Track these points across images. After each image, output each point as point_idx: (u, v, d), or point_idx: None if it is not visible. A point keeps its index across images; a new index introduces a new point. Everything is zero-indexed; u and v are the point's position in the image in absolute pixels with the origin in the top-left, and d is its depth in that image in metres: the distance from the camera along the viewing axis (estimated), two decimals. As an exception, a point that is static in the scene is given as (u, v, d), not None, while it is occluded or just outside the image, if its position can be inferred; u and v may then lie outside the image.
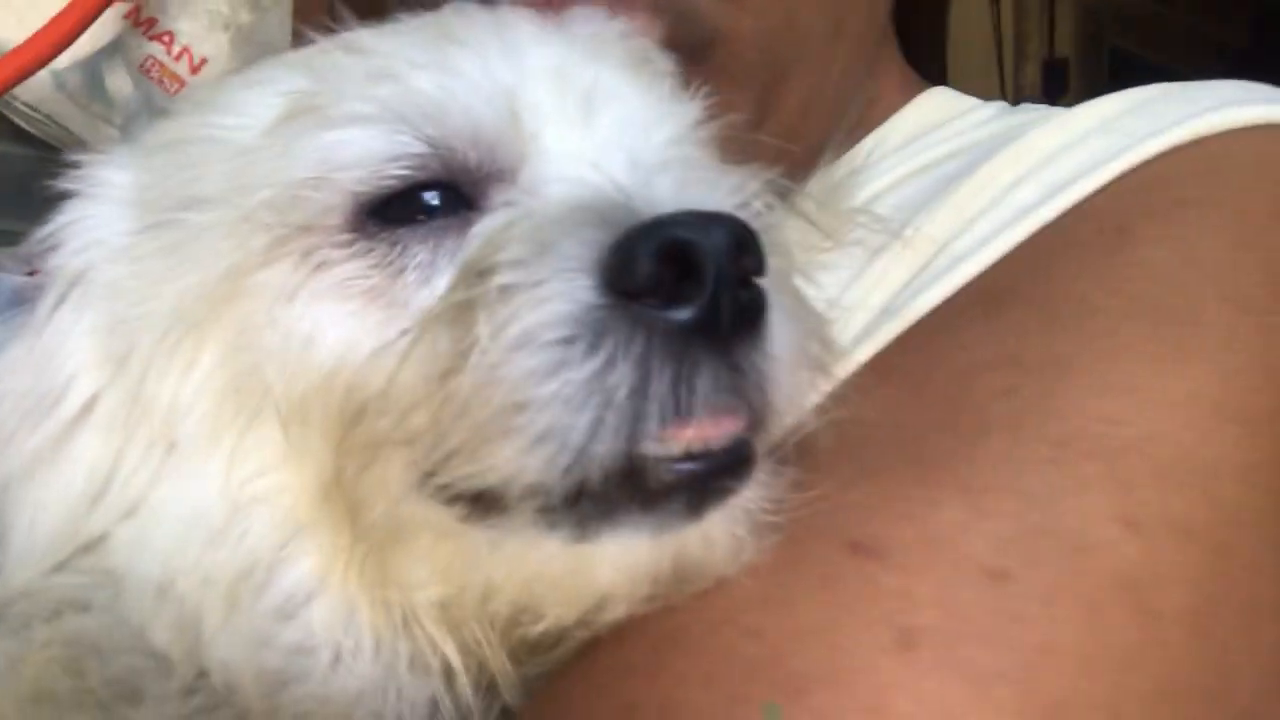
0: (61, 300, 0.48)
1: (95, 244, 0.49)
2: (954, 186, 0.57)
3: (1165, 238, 0.48)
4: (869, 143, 0.69)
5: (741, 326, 0.37)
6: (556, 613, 0.42)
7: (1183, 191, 0.50)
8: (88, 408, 0.47)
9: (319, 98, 0.45)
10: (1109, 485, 0.41)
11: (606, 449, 0.36)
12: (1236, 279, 0.47)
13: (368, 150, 0.44)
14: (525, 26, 0.48)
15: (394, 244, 0.43)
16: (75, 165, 0.51)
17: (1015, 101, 0.73)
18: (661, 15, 0.57)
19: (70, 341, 0.48)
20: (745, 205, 0.41)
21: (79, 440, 0.47)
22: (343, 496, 0.44)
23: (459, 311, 0.39)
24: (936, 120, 0.69)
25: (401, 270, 0.43)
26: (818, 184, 0.60)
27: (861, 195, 0.61)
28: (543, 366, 0.36)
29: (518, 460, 0.37)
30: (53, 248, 0.49)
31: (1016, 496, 0.40)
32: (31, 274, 0.53)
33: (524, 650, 0.44)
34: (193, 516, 0.45)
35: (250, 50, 2.10)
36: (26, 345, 0.48)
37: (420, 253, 0.43)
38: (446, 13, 0.49)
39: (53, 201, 0.50)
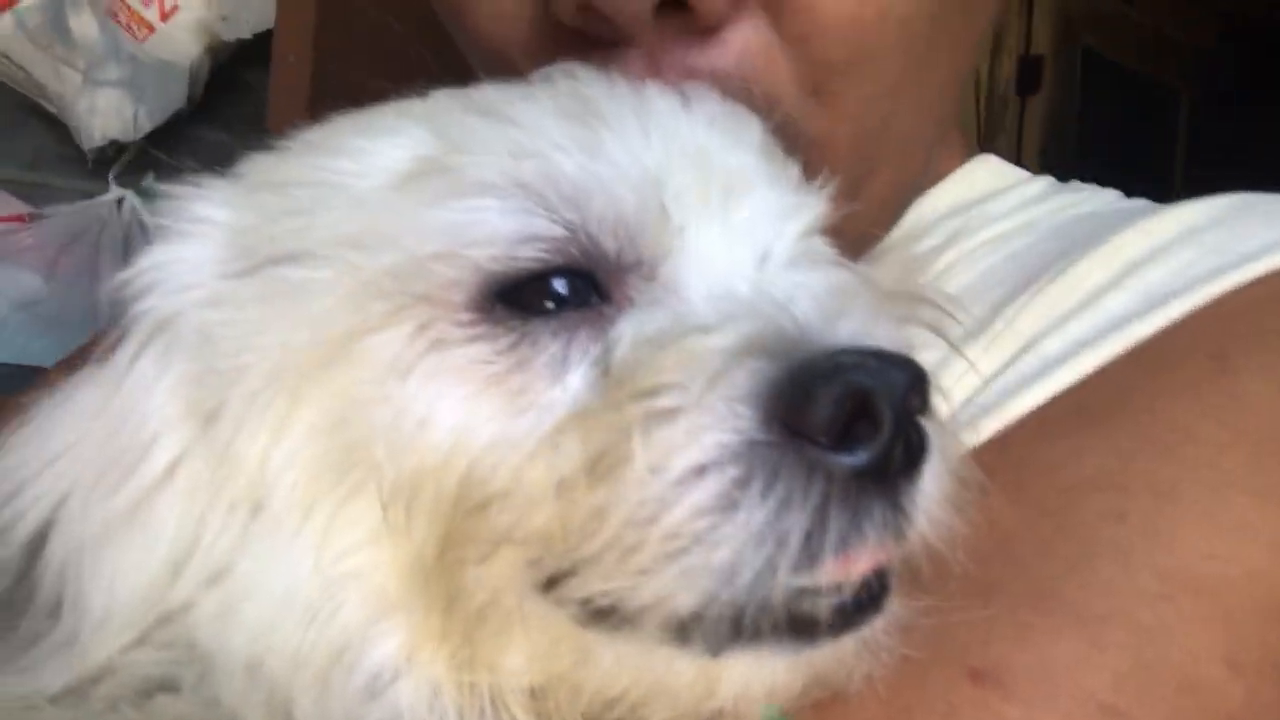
0: (144, 348, 0.46)
1: (187, 287, 0.46)
2: (1041, 280, 0.57)
3: (1262, 369, 0.49)
4: (923, 210, 0.69)
5: (906, 468, 0.37)
6: (666, 717, 0.42)
7: (1275, 322, 0.51)
8: (171, 467, 0.45)
9: (451, 160, 0.43)
10: (1214, 624, 0.42)
11: (765, 587, 0.36)
12: None
13: (503, 227, 0.42)
14: (663, 104, 0.46)
15: (523, 333, 0.42)
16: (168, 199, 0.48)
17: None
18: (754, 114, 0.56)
19: (155, 396, 0.45)
20: (907, 335, 0.41)
21: (162, 502, 0.44)
22: (441, 580, 0.43)
23: (604, 423, 0.38)
24: (987, 190, 0.69)
25: (528, 361, 0.41)
26: (890, 261, 0.59)
27: (929, 269, 0.61)
28: (714, 504, 0.35)
29: (669, 589, 0.36)
30: (139, 290, 0.46)
31: (1129, 630, 0.41)
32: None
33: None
34: (284, 591, 0.43)
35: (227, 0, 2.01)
36: (102, 395, 0.46)
37: (551, 345, 0.41)
38: (579, 81, 0.47)
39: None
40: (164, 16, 1.96)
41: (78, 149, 2.05)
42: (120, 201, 2.08)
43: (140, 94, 1.98)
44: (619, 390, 0.38)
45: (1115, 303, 0.54)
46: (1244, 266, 0.52)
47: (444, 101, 0.48)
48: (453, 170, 0.43)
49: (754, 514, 0.35)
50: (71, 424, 0.46)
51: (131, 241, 2.08)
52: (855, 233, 0.57)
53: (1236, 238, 0.54)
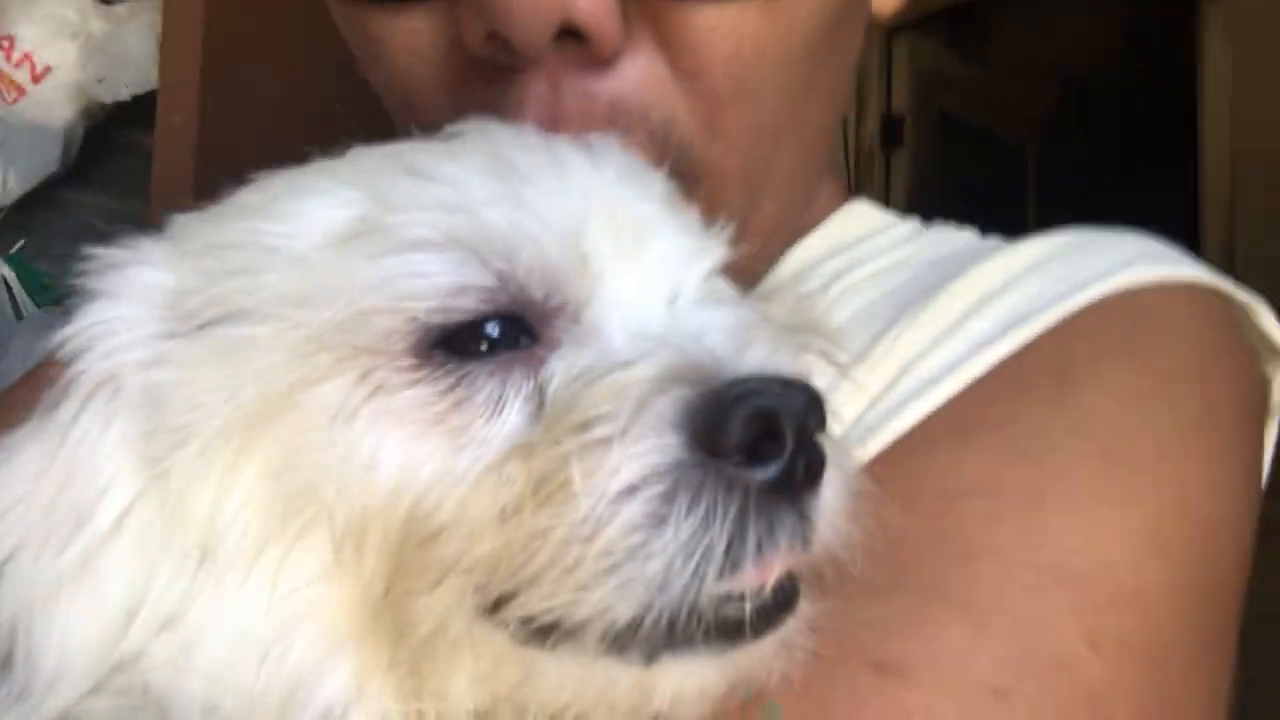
0: (86, 404, 0.47)
1: (126, 348, 0.48)
2: (914, 310, 0.64)
3: (1101, 383, 0.57)
4: (804, 253, 0.75)
5: (809, 479, 0.42)
6: (604, 728, 0.45)
7: (1111, 342, 0.60)
8: (120, 519, 0.46)
9: (385, 220, 0.46)
10: (1078, 610, 0.49)
11: (696, 594, 0.40)
12: (1157, 425, 0.56)
13: (439, 280, 0.45)
14: (575, 159, 0.50)
15: (461, 375, 0.45)
16: (99, 261, 0.49)
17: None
18: (656, 148, 0.61)
19: (100, 450, 0.46)
20: (803, 363, 0.46)
21: (112, 554, 0.46)
22: (389, 612, 0.45)
23: (544, 454, 0.42)
24: (862, 232, 0.77)
25: (468, 400, 0.45)
26: (780, 300, 0.65)
27: (815, 306, 0.67)
28: (646, 519, 0.40)
29: (608, 601, 0.40)
30: (77, 349, 0.48)
31: (1010, 619, 0.48)
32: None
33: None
34: (237, 633, 0.45)
35: (103, 60, 1.98)
36: (46, 450, 0.47)
37: (488, 385, 0.45)
38: (495, 138, 0.51)
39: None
40: (35, 78, 1.92)
41: (-54, 215, 1.96)
42: (-11, 268, 2.00)
43: (10, 157, 1.92)
44: (556, 423, 0.42)
45: (978, 327, 0.61)
46: (1080, 293, 0.61)
47: (369, 162, 0.51)
48: (387, 229, 0.46)
49: (681, 527, 0.40)
50: (14, 481, 0.47)
51: (1, 309, 1.99)
52: (741, 266, 0.62)
53: (1074, 269, 0.63)
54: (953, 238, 0.75)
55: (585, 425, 0.41)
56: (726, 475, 0.40)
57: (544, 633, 0.43)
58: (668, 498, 0.40)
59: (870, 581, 0.48)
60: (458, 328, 0.45)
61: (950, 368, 0.60)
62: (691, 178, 0.61)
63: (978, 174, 3.76)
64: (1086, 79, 3.98)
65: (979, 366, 0.59)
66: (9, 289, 2.02)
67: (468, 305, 0.45)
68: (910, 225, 0.78)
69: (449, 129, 0.54)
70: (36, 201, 2.02)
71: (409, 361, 0.45)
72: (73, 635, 0.44)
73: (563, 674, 0.43)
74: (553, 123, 0.58)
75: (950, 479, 0.54)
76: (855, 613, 0.46)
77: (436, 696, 0.46)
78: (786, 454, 0.40)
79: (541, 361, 0.45)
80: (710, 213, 0.57)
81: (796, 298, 0.62)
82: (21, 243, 2.04)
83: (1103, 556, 0.51)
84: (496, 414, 0.45)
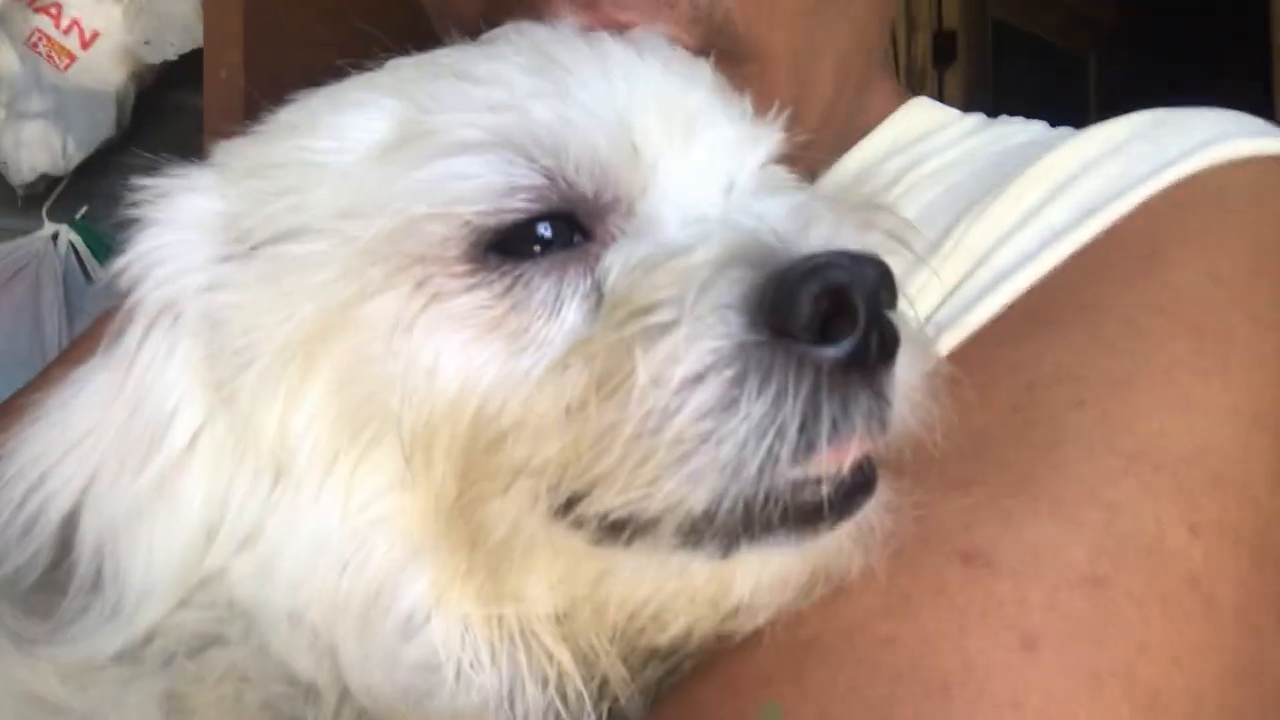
0: (149, 331, 0.48)
1: (182, 274, 0.48)
2: (983, 201, 0.62)
3: (1192, 261, 0.54)
4: (865, 151, 0.73)
5: (883, 357, 0.40)
6: (688, 623, 0.45)
7: (1202, 219, 0.56)
8: (193, 439, 0.47)
9: (429, 124, 0.46)
10: (1175, 494, 0.46)
11: (771, 478, 0.39)
12: (1255, 300, 0.53)
13: (488, 182, 0.44)
14: (620, 52, 0.49)
15: (516, 276, 0.44)
16: (150, 191, 0.50)
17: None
18: (699, 26, 0.59)
19: (167, 375, 0.47)
20: (870, 241, 0.44)
21: (187, 475, 0.46)
22: (462, 518, 0.45)
23: (605, 346, 0.41)
24: (923, 130, 0.74)
25: (524, 302, 0.44)
26: (831, 188, 0.63)
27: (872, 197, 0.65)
28: (717, 403, 0.39)
29: (682, 491, 0.39)
30: (134, 277, 0.48)
31: (1101, 507, 0.45)
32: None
33: (640, 656, 0.47)
34: (315, 545, 0.46)
35: (147, 22, 1.99)
36: (115, 379, 0.47)
37: (544, 285, 0.44)
38: (537, 35, 0.50)
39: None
40: (85, 44, 1.94)
41: (8, 187, 2.01)
42: (55, 236, 2.05)
43: (67, 125, 1.96)
44: (615, 314, 0.41)
45: (1054, 215, 0.58)
46: (1165, 171, 0.57)
47: (408, 71, 0.50)
48: (432, 133, 0.45)
49: (752, 409, 0.38)
50: (87, 409, 0.48)
51: (70, 275, 2.05)
52: (797, 156, 0.60)
53: (1157, 148, 0.59)
54: (1022, 130, 0.72)
55: (645, 311, 0.40)
56: (796, 354, 0.39)
57: (618, 529, 0.42)
58: (736, 381, 0.39)
59: (951, 472, 0.46)
60: (510, 229, 0.45)
61: (1026, 258, 0.57)
62: (737, 58, 0.59)
63: (1036, 88, 3.63)
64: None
65: (1057, 256, 0.56)
66: (77, 254, 2.08)
67: (518, 205, 0.44)
68: (975, 119, 0.75)
69: (486, 34, 0.53)
70: (95, 167, 2.06)
71: (463, 267, 0.45)
72: (156, 554, 0.45)
73: (639, 570, 0.43)
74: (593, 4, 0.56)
75: (1030, 369, 0.51)
76: (939, 505, 0.45)
77: (515, 600, 0.46)
78: (859, 330, 0.39)
79: (596, 258, 0.45)
80: (760, 98, 0.55)
81: (862, 196, 0.60)
82: (85, 208, 2.09)
83: (1197, 437, 0.48)
84: (554, 314, 0.44)
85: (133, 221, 0.49)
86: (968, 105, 0.76)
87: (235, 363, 0.46)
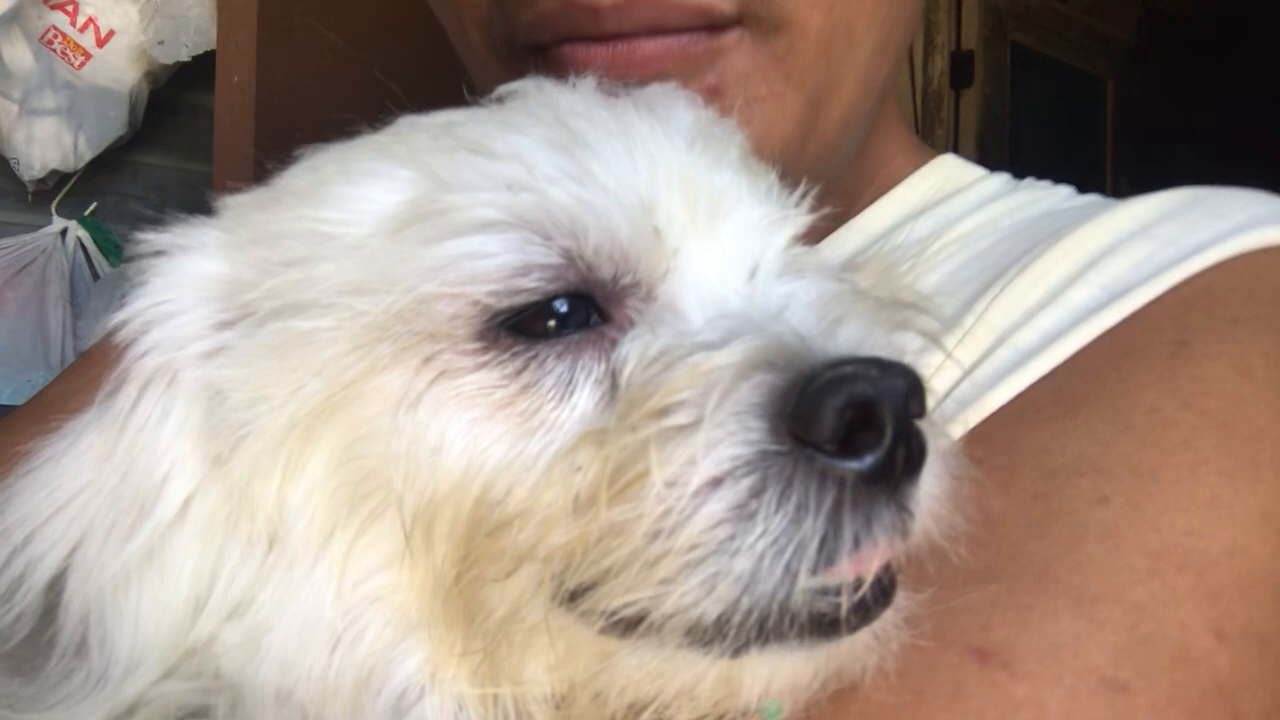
0: (143, 393, 0.46)
1: (181, 337, 0.47)
2: (1006, 275, 0.60)
3: (1222, 354, 0.52)
4: (887, 210, 0.71)
5: (909, 470, 0.39)
6: (690, 718, 0.43)
7: (1232, 310, 0.54)
8: (185, 506, 0.45)
9: (444, 202, 0.44)
10: (1201, 598, 0.44)
11: (788, 593, 0.37)
12: None
13: (502, 262, 0.43)
14: (643, 126, 0.47)
15: (529, 357, 0.43)
16: (152, 245, 0.48)
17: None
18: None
19: (160, 440, 0.46)
20: (899, 341, 0.43)
21: (177, 543, 0.45)
22: (461, 598, 0.44)
23: (620, 441, 0.39)
24: (951, 189, 0.72)
25: (536, 383, 0.43)
26: (868, 267, 0.62)
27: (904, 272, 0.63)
28: (732, 512, 0.37)
29: (693, 597, 0.38)
30: (131, 335, 0.47)
31: (1124, 608, 0.44)
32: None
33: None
34: (307, 621, 0.44)
35: (162, 23, 1.98)
36: (106, 440, 0.46)
37: (557, 368, 0.43)
38: (558, 101, 0.48)
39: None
40: (100, 43, 1.93)
41: (18, 182, 2.00)
42: (64, 232, 2.04)
43: (79, 122, 1.95)
44: (631, 409, 0.39)
45: (1080, 295, 0.56)
46: (1196, 257, 0.56)
47: (422, 139, 0.48)
48: (445, 210, 0.44)
49: (771, 522, 0.37)
50: (77, 469, 0.46)
51: (77, 272, 2.04)
52: (814, 159, 0.59)
53: (1187, 231, 0.57)
54: (1047, 196, 0.70)
55: (663, 412, 0.38)
56: (819, 467, 0.37)
57: (626, 624, 0.41)
58: (755, 490, 0.37)
59: (970, 566, 0.45)
60: (523, 309, 0.43)
61: (1050, 338, 0.55)
62: (769, 27, 0.57)
63: (1053, 110, 3.61)
64: (1166, 9, 3.78)
65: (1083, 337, 0.55)
66: (85, 251, 2.07)
67: (533, 285, 0.43)
68: (1000, 180, 0.73)
69: (502, 89, 0.51)
70: (106, 165, 2.06)
71: (474, 345, 0.44)
72: (144, 623, 0.44)
73: (643, 664, 0.42)
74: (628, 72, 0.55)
75: (1054, 456, 0.50)
76: (954, 598, 0.43)
77: (512, 680, 0.44)
78: (886, 445, 0.37)
79: (613, 342, 0.43)
80: (787, 79, 0.53)
81: (885, 265, 0.59)
82: (94, 205, 2.08)
83: (1225, 538, 0.46)
84: (566, 398, 0.43)
85: (136, 274, 0.48)
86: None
87: (235, 435, 0.45)
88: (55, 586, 0.45)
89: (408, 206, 0.45)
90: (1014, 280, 0.59)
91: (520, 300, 0.43)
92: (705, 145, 0.48)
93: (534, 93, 0.50)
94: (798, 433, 0.37)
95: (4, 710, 0.44)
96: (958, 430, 0.53)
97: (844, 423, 0.37)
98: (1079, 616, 0.43)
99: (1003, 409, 0.54)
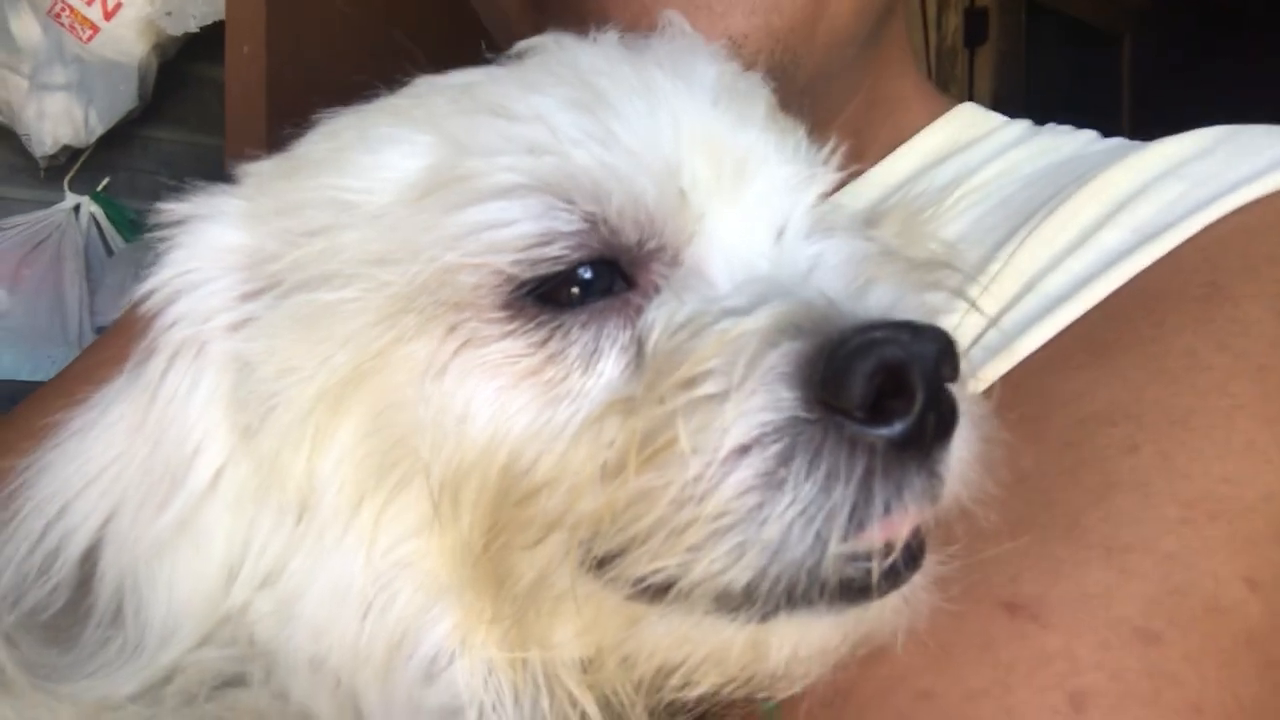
0: (172, 364, 0.46)
1: (209, 312, 0.47)
2: (1034, 221, 0.59)
3: (1259, 295, 0.51)
4: (908, 160, 0.70)
5: (940, 435, 0.38)
6: (718, 682, 0.43)
7: (1269, 248, 0.53)
8: (215, 479, 0.46)
9: (465, 167, 0.44)
10: (1234, 546, 0.44)
11: (817, 560, 0.37)
12: None
13: (525, 230, 0.43)
14: (667, 85, 0.47)
15: (554, 326, 0.43)
16: (174, 213, 0.48)
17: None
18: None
19: (190, 411, 0.46)
20: (929, 301, 0.42)
21: (209, 514, 0.45)
22: (490, 564, 0.44)
23: (647, 409, 0.39)
24: (971, 136, 0.71)
25: (562, 352, 0.43)
26: (891, 219, 0.61)
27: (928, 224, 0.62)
28: (761, 480, 0.37)
29: (721, 565, 0.38)
30: (157, 306, 0.47)
31: (1155, 557, 0.43)
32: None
33: (668, 707, 0.46)
34: (337, 588, 0.45)
35: (171, -5, 1.96)
36: (136, 411, 0.46)
37: (583, 336, 0.43)
38: (579, 58, 0.48)
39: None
40: (108, 15, 1.92)
41: (30, 158, 2.00)
42: (77, 208, 2.04)
43: (89, 96, 1.94)
44: (659, 377, 0.39)
45: (1110, 238, 0.55)
46: (1228, 196, 0.54)
47: (441, 103, 0.47)
48: (467, 176, 0.44)
49: (800, 490, 0.37)
50: (108, 440, 0.47)
51: (91, 247, 2.04)
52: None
53: (1220, 169, 0.56)
54: (1070, 140, 0.69)
55: (691, 381, 0.38)
56: (849, 434, 0.37)
57: (654, 591, 0.41)
58: (784, 458, 0.37)
59: (999, 518, 0.44)
60: (548, 279, 0.43)
61: (1080, 283, 0.54)
62: None
63: (1068, 67, 3.55)
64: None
65: (1112, 282, 0.53)
66: (98, 226, 2.07)
67: (556, 254, 0.43)
68: (1020, 127, 0.72)
69: (521, 44, 0.50)
70: (117, 139, 2.05)
71: (499, 314, 0.43)
72: (178, 592, 0.45)
73: (671, 629, 0.42)
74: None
75: (1084, 404, 0.48)
76: (983, 551, 0.43)
77: (541, 645, 0.45)
78: (916, 411, 0.37)
79: (638, 309, 0.43)
80: (825, 50, 0.52)
81: (907, 215, 0.58)
82: (107, 180, 2.08)
83: (1261, 485, 0.45)
84: (592, 365, 0.42)
85: (159, 243, 0.48)
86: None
87: (264, 406, 0.45)
88: (90, 557, 0.46)
89: (428, 173, 0.44)
90: (1041, 225, 0.58)
91: (544, 270, 0.43)
92: (730, 102, 0.47)
93: (554, 49, 0.49)
94: (827, 399, 0.37)
95: (43, 681, 0.45)
96: (987, 379, 0.53)
97: (874, 389, 0.36)
98: (1109, 567, 0.43)
99: (1032, 356, 0.53)
